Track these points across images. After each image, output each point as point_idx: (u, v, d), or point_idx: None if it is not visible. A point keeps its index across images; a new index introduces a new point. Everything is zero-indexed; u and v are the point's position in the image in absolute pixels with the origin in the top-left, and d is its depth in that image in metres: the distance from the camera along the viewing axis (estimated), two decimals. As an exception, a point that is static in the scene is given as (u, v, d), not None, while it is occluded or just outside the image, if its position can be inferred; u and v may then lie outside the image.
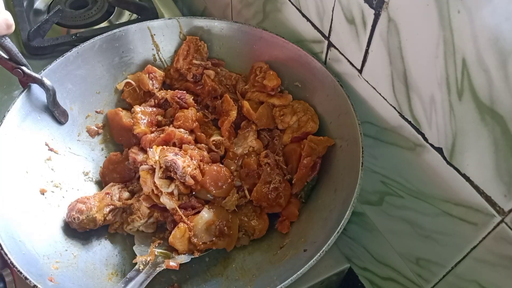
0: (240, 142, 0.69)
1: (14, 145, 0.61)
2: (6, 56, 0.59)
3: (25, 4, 0.97)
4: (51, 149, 0.66)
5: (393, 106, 0.54)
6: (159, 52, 0.76)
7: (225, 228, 0.61)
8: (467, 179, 0.47)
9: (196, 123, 0.69)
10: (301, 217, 0.64)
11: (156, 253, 0.60)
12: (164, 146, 0.64)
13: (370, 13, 0.51)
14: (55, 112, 0.66)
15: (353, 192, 0.53)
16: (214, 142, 0.68)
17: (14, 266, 0.49)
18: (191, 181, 0.61)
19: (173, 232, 0.60)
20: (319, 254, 0.50)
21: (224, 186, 0.63)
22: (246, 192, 0.64)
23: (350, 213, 0.52)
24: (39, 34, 0.89)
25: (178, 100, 0.71)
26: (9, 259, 0.50)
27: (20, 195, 0.59)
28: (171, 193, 0.61)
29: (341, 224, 0.51)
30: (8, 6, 0.94)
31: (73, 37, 0.89)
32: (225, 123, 0.69)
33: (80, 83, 0.70)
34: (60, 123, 0.67)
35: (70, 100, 0.69)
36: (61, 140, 0.68)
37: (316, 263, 0.50)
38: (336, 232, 0.51)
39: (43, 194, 0.62)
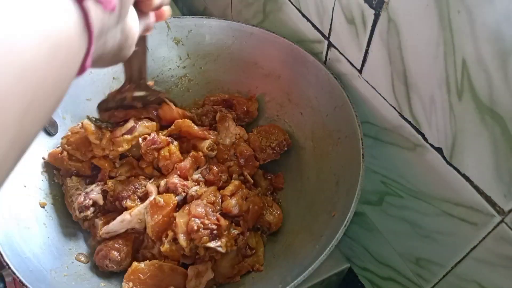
0: (224, 133, 0.69)
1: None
2: None
3: (25, 4, 0.97)
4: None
5: (393, 106, 0.54)
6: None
7: (247, 249, 0.61)
8: (467, 179, 0.47)
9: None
10: (305, 212, 0.63)
11: None
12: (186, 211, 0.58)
13: (370, 13, 0.51)
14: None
15: (357, 183, 0.53)
16: (210, 148, 0.66)
17: (24, 284, 0.48)
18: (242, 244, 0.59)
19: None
20: (329, 248, 0.49)
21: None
22: (249, 177, 0.65)
23: (356, 204, 0.51)
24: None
25: (155, 146, 0.64)
26: (18, 277, 0.48)
27: (20, 210, 0.58)
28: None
29: (348, 216, 0.51)
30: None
31: (73, 37, 0.89)
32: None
33: (70, 91, 0.68)
34: (50, 134, 0.66)
35: (62, 109, 0.67)
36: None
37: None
38: (344, 224, 0.50)
39: (43, 207, 0.61)
